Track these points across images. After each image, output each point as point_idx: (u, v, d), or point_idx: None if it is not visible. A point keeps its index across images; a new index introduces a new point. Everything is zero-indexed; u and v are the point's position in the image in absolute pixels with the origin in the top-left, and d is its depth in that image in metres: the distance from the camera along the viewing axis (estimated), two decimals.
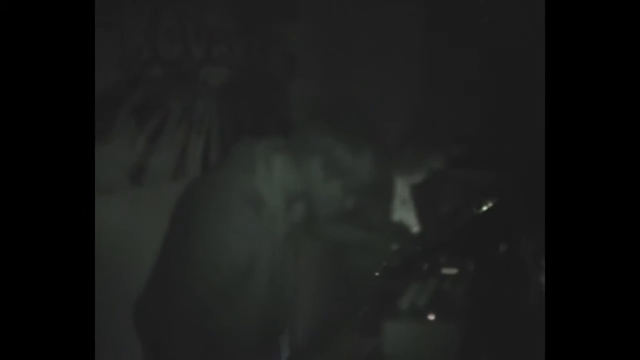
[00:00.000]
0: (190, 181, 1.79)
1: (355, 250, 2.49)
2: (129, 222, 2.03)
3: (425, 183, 3.04)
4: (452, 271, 1.99)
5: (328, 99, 1.79)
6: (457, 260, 2.03)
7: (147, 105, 2.13)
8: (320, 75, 2.94)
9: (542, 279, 1.85)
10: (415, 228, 2.62)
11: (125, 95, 2.05)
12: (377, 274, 2.10)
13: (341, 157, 1.62)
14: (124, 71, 2.06)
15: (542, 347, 1.55)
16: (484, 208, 2.14)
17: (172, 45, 2.21)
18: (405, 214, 2.95)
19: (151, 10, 2.17)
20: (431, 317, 1.67)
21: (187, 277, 1.61)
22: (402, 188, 3.01)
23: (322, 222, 2.18)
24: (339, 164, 1.63)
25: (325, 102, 1.78)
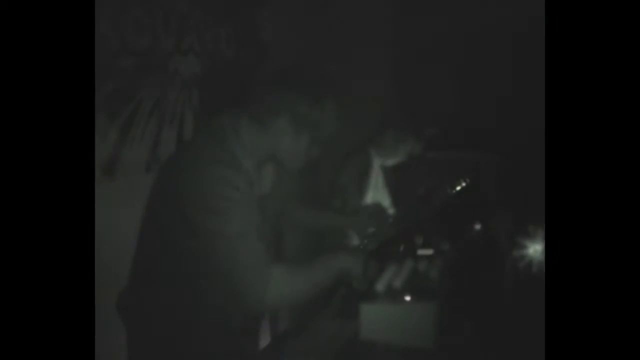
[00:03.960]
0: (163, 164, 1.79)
1: (332, 234, 2.50)
2: (101, 216, 2.02)
3: (400, 165, 3.05)
4: (428, 252, 2.00)
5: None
6: (433, 241, 2.04)
7: (117, 97, 2.10)
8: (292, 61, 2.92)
9: (516, 257, 1.87)
10: (390, 210, 2.63)
11: (95, 87, 2.02)
12: None
13: (306, 112, 1.65)
14: None
15: (518, 325, 1.57)
16: (458, 188, 2.15)
17: (141, 36, 2.17)
18: (381, 197, 2.97)
19: None
20: (407, 298, 1.68)
21: (173, 236, 1.62)
22: (377, 171, 3.02)
23: (299, 209, 2.20)
24: (305, 118, 1.66)
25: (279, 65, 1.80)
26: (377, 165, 3.01)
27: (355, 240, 2.30)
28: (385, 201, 2.90)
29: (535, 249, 1.92)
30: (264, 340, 2.15)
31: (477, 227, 2.14)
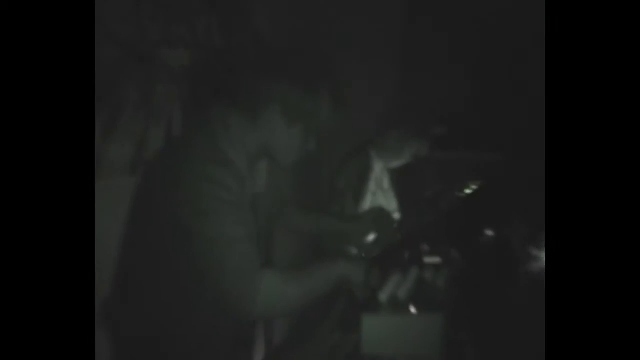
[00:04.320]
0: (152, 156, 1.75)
1: (331, 240, 2.47)
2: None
3: (406, 168, 3.02)
4: (435, 260, 1.95)
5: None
6: (440, 248, 1.99)
7: (100, 91, 1.98)
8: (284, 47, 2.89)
9: (532, 267, 1.82)
10: (395, 215, 2.59)
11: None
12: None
13: (298, 101, 1.60)
14: None
15: (528, 339, 1.52)
16: (468, 191, 2.14)
17: (125, 25, 2.05)
18: (385, 201, 2.91)
19: None
20: (412, 309, 1.64)
21: (161, 243, 1.57)
22: (381, 173, 2.95)
23: (296, 213, 2.14)
24: (297, 108, 1.61)
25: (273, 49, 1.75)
26: (380, 168, 2.95)
27: (355, 247, 2.27)
28: (390, 205, 2.87)
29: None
30: (259, 353, 2.11)
31: (488, 233, 2.09)
